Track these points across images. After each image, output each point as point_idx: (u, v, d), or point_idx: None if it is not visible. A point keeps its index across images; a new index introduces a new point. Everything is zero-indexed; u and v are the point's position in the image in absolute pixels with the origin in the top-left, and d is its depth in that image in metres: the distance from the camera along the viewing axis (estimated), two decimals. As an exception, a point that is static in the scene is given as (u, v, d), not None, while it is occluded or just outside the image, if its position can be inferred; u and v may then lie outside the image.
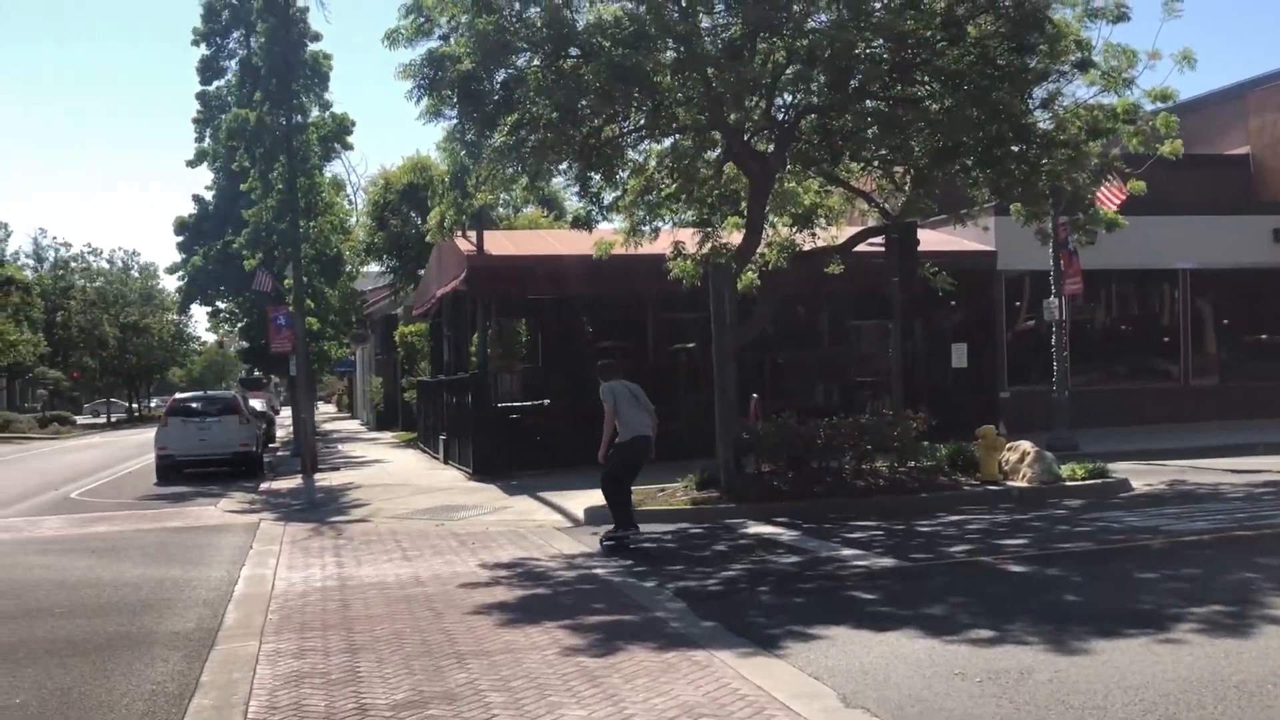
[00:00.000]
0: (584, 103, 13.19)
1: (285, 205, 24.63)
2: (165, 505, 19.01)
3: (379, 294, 45.35)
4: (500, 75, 13.56)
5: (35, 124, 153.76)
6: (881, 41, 13.43)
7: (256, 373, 47.51)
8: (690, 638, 7.74)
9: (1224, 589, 8.68)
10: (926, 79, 14.04)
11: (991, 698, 6.14)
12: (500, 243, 22.97)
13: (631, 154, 15.68)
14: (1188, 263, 24.97)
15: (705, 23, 13.72)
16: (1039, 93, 14.23)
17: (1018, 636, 7.39)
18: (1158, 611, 7.93)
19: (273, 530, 14.94)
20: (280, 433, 40.06)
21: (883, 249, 16.25)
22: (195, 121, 36.95)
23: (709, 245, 16.44)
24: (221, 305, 40.84)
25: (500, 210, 35.21)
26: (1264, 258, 25.08)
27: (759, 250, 16.22)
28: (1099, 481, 14.93)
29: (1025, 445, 15.32)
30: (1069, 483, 14.77)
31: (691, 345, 21.37)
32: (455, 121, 13.94)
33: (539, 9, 13.36)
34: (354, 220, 37.15)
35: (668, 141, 15.40)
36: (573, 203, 19.89)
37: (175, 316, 67.54)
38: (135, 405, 72.55)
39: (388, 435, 37.77)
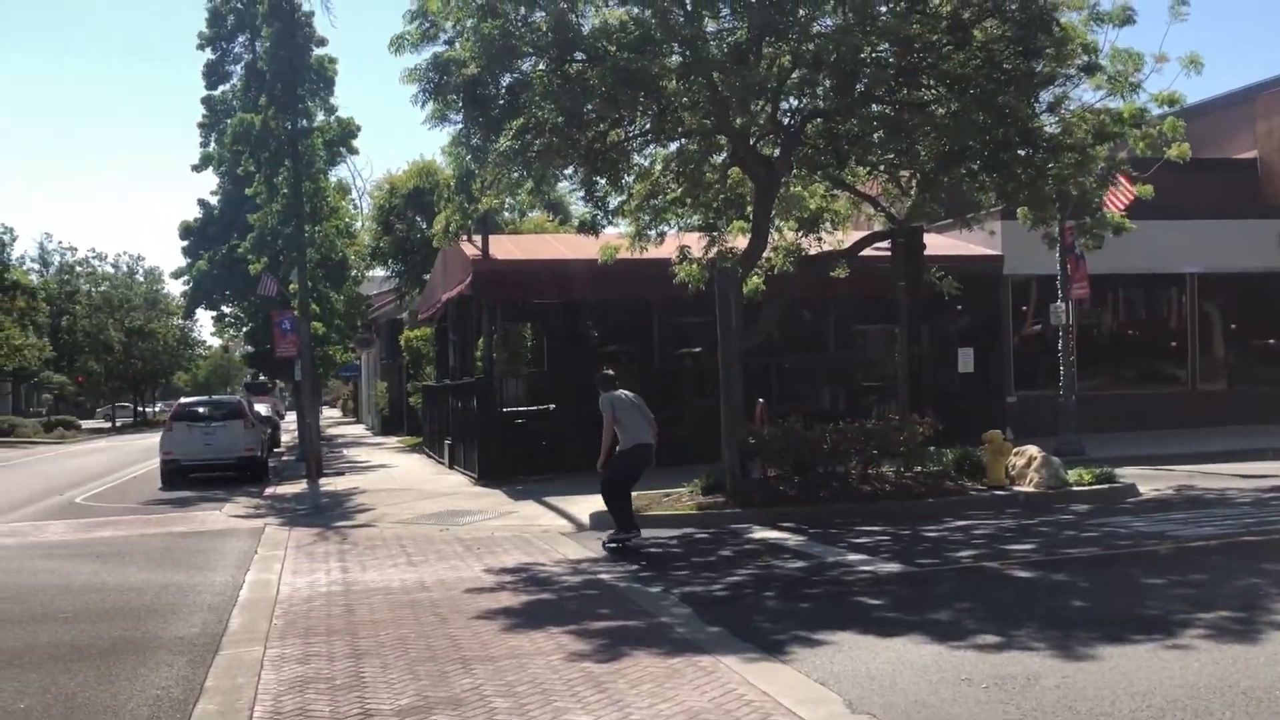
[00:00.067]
0: (589, 107, 13.19)
1: (290, 210, 24.64)
2: (170, 510, 19.01)
3: (384, 298, 45.48)
4: (505, 80, 13.56)
5: (41, 129, 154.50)
6: (887, 45, 13.41)
7: (261, 377, 47.52)
8: (696, 643, 7.72)
9: (1231, 595, 8.65)
10: (932, 83, 14.04)
11: (998, 704, 6.12)
12: (505, 247, 22.98)
13: (637, 158, 15.66)
14: (1195, 267, 24.91)
15: (710, 27, 13.71)
16: (1045, 97, 14.22)
17: (1024, 642, 7.36)
18: (1165, 617, 7.90)
19: (277, 535, 14.94)
20: (285, 437, 40.17)
21: (889, 253, 16.23)
22: (200, 126, 36.99)
23: (714, 249, 16.45)
24: (226, 310, 40.90)
25: (505, 215, 35.33)
26: (1272, 261, 24.99)
27: (764, 254, 16.22)
28: (1106, 486, 14.88)
29: (1032, 450, 15.30)
30: (1076, 488, 14.74)
31: (697, 350, 21.33)
32: (460, 126, 13.98)
33: (544, 14, 13.37)
34: (359, 225, 37.22)
35: (673, 146, 15.39)
36: (578, 207, 19.91)
37: (180, 321, 67.78)
38: (141, 409, 72.73)
39: (393, 440, 37.81)
